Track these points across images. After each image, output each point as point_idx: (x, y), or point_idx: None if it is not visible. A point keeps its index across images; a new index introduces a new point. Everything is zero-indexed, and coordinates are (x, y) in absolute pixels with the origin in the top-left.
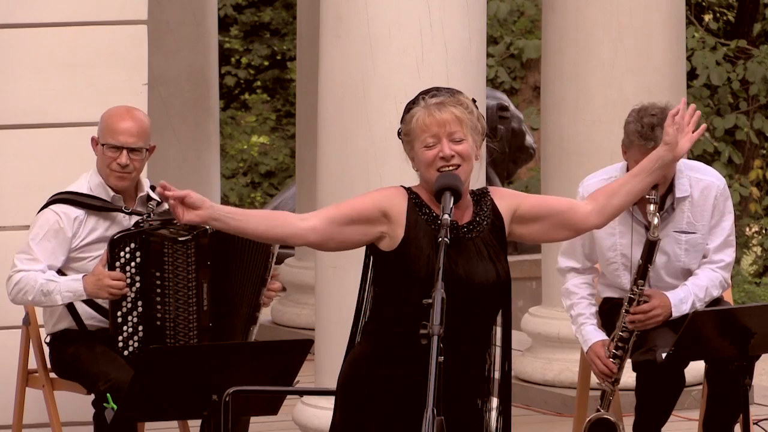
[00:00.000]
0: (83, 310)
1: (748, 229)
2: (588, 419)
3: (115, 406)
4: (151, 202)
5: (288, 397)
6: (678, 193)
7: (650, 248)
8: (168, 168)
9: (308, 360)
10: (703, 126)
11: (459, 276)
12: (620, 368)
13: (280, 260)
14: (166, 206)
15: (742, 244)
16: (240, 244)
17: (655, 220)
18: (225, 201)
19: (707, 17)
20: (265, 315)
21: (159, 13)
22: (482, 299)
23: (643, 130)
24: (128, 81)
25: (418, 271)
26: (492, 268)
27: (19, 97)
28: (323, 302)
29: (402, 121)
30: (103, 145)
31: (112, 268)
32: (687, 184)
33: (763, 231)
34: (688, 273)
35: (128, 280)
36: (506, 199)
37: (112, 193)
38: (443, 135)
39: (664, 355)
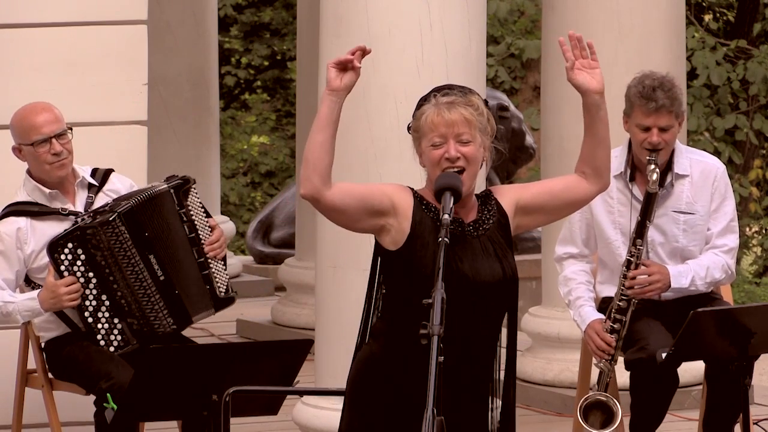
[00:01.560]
0: (72, 313)
1: (748, 229)
2: (583, 398)
3: (115, 406)
4: (90, 193)
5: (288, 397)
6: (677, 170)
7: (648, 201)
8: (168, 168)
9: (308, 360)
10: (590, 43)
11: (465, 274)
12: (617, 344)
13: (279, 260)
14: (101, 202)
15: (742, 244)
16: (152, 208)
17: (654, 176)
18: (225, 201)
19: (707, 17)
20: (265, 315)
21: (159, 13)
22: (488, 297)
23: (645, 91)
24: (128, 81)
25: (424, 268)
26: (498, 266)
27: (19, 97)
28: (323, 302)
29: (413, 116)
30: (31, 144)
31: (59, 272)
32: (687, 164)
33: (763, 231)
34: (687, 257)
35: (82, 279)
36: (507, 195)
37: (47, 191)
38: (450, 136)
39: (664, 355)
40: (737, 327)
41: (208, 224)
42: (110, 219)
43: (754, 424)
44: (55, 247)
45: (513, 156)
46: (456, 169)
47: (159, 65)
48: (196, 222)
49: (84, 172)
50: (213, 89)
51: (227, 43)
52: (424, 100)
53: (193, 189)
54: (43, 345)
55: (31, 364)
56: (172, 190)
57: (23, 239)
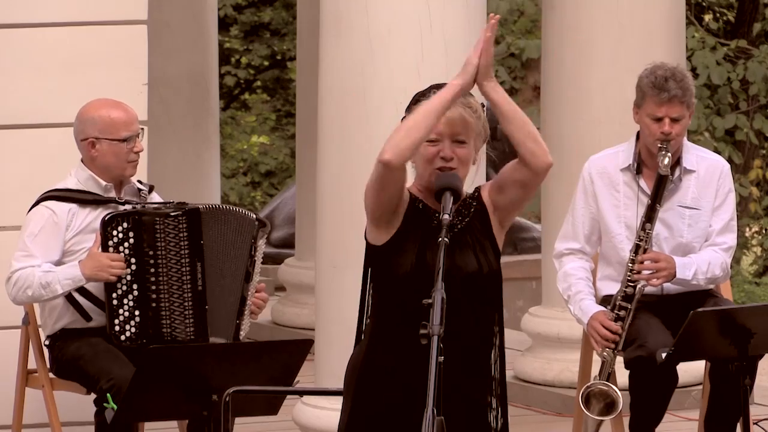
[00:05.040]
0: (84, 303)
1: (748, 229)
2: (585, 387)
3: (115, 406)
4: (141, 193)
5: (288, 397)
6: (686, 165)
7: (659, 184)
8: (168, 168)
9: (308, 360)
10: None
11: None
12: (623, 333)
13: (279, 260)
14: (156, 197)
15: (742, 244)
16: (230, 227)
17: (666, 160)
18: (225, 201)
19: (707, 17)
20: (265, 315)
21: (159, 13)
22: (464, 290)
23: (657, 81)
24: (128, 81)
25: (401, 265)
26: (474, 261)
27: (19, 97)
28: (323, 302)
29: (407, 110)
30: (122, 140)
31: (105, 247)
32: (694, 160)
33: (763, 231)
34: (689, 253)
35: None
36: (486, 188)
37: (104, 183)
38: (447, 135)
39: (664, 355)
40: (737, 327)
41: (259, 277)
42: (174, 214)
43: (754, 424)
44: (111, 221)
45: (513, 156)
46: (448, 170)
47: (159, 65)
48: (255, 263)
49: (134, 179)
50: (213, 89)
51: (227, 43)
52: (421, 96)
53: (266, 236)
54: (47, 342)
55: (32, 364)
56: (257, 222)
57: (69, 222)
